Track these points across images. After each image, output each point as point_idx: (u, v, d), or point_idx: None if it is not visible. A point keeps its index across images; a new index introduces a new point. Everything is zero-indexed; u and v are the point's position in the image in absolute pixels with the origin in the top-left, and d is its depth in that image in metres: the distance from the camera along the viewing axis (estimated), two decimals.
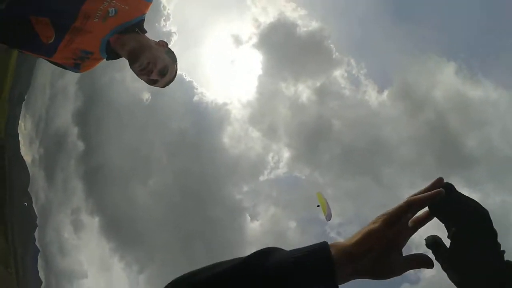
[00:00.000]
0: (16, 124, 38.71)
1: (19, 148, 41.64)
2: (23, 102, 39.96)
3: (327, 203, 16.03)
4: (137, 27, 1.73)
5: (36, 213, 45.16)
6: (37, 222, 45.10)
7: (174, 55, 1.87)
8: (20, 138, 42.31)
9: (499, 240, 0.76)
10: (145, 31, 1.77)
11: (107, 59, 1.81)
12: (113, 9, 1.61)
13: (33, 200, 44.61)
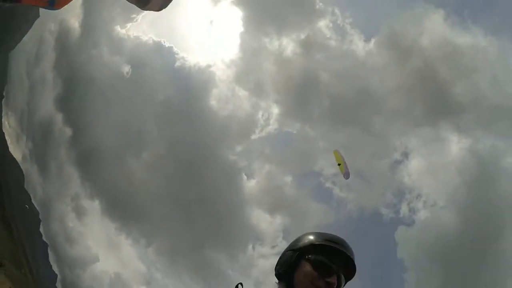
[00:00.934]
0: (0, 124, 37.50)
1: (7, 147, 40.71)
2: (3, 100, 38.42)
3: (344, 161, 15.76)
4: None
5: (37, 208, 45.30)
6: (40, 216, 45.35)
7: None
8: (6, 137, 41.32)
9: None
10: None
11: None
12: None
13: (32, 196, 44.56)
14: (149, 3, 1.55)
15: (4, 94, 39.37)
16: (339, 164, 16.00)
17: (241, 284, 1.38)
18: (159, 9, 1.65)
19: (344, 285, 1.38)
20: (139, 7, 1.59)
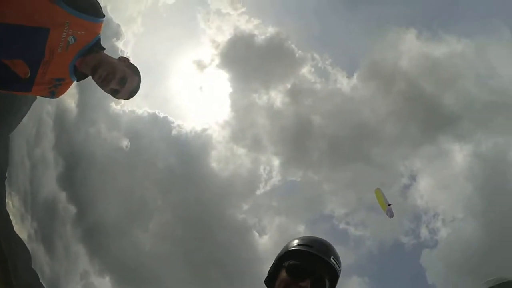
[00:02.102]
0: (3, 204, 37.68)
1: (12, 227, 40.44)
2: (5, 180, 39.09)
3: (386, 199, 15.55)
4: (96, 47, 1.95)
5: (46, 287, 43.54)
6: None
7: (136, 68, 2.07)
8: (11, 217, 41.26)
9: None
10: (103, 49, 1.98)
11: (77, 81, 2.03)
12: (71, 37, 1.82)
13: (39, 275, 43.11)
14: (118, 94, 1.98)
15: (6, 175, 40.05)
16: (389, 204, 15.78)
17: None
18: (127, 98, 2.08)
19: (331, 286, 1.38)
20: (113, 96, 2.01)
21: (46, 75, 1.88)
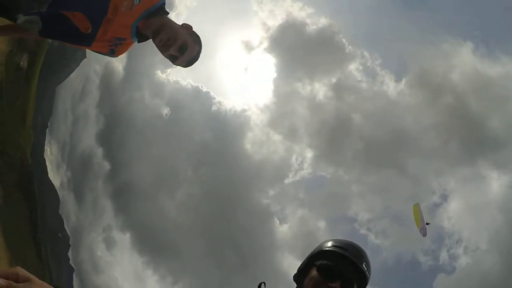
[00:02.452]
0: (42, 150, 40.50)
1: (47, 172, 43.43)
2: (47, 129, 41.83)
3: (422, 216, 15.39)
4: (160, 10, 1.92)
5: (69, 233, 46.72)
6: (70, 242, 46.60)
7: (198, 37, 2.03)
8: (47, 163, 44.27)
9: None
10: (167, 13, 1.96)
11: (138, 42, 2.01)
12: None
13: (65, 221, 46.29)
14: (177, 60, 1.97)
15: (48, 124, 42.86)
16: (427, 224, 15.58)
17: (264, 283, 1.44)
18: (185, 66, 2.08)
19: None
20: (171, 62, 2.00)
21: (108, 32, 1.88)
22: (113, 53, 2.02)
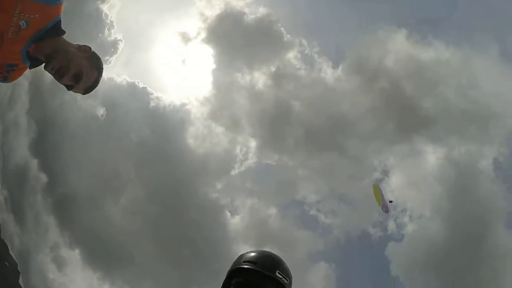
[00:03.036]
0: None
1: None
2: None
3: (382, 195, 15.96)
4: (54, 31, 1.73)
5: (15, 259, 42.30)
6: (18, 268, 42.30)
7: (98, 60, 1.87)
8: None
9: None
10: (63, 33, 1.77)
11: (30, 68, 1.85)
12: (23, 21, 1.62)
13: (9, 246, 41.72)
14: (73, 89, 1.81)
15: None
16: (390, 201, 16.44)
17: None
18: (83, 94, 1.89)
19: None
20: (67, 89, 1.82)
21: None
22: (5, 79, 1.88)
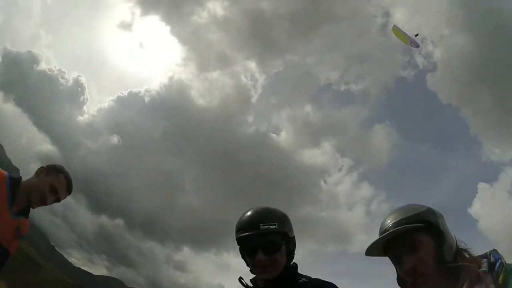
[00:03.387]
0: None
1: None
2: None
3: (404, 33, 15.28)
4: (13, 186, 2.06)
5: None
6: None
7: (54, 168, 2.15)
8: None
9: None
10: (20, 179, 2.10)
11: (25, 217, 2.15)
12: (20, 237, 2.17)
13: None
14: (60, 199, 2.20)
15: None
16: (416, 35, 15.65)
17: (241, 278, 1.52)
18: (69, 191, 2.22)
19: (290, 245, 1.51)
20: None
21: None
22: (22, 238, 2.18)
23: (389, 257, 1.34)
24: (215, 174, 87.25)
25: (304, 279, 1.48)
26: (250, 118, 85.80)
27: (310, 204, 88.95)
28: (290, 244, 1.49)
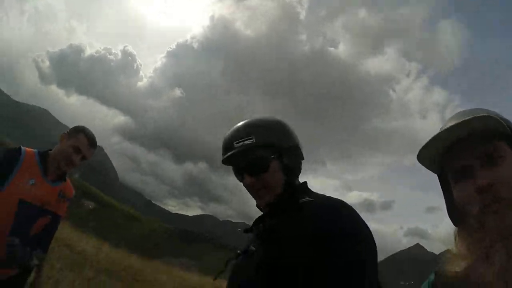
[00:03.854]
0: None
1: None
2: None
3: None
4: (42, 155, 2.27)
5: None
6: None
7: (74, 130, 2.30)
8: None
9: None
10: (48, 152, 2.29)
11: (62, 181, 2.35)
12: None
13: None
14: (85, 158, 2.34)
15: None
16: None
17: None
18: (93, 148, 2.37)
19: (284, 158, 1.22)
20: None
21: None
22: (64, 197, 2.37)
23: (445, 170, 0.91)
24: (281, 101, 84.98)
25: (307, 198, 1.16)
26: (303, 37, 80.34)
27: (381, 116, 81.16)
28: (283, 157, 1.20)
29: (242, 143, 1.18)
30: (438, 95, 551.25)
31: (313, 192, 1.22)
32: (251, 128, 1.20)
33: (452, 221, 0.93)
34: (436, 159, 0.92)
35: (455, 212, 0.91)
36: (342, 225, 1.02)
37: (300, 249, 1.01)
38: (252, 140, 1.18)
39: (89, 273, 7.03)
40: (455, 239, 0.90)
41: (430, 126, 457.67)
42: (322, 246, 0.99)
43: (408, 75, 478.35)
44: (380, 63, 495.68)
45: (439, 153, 0.90)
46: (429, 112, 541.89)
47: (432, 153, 0.90)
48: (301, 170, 1.27)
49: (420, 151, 0.90)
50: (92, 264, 8.52)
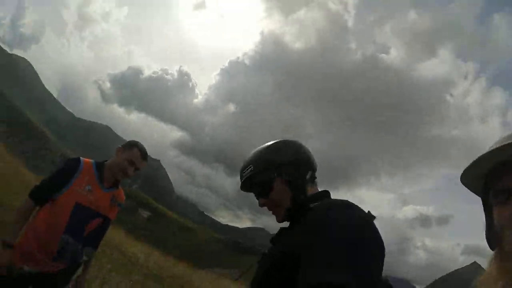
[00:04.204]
0: None
1: None
2: None
3: None
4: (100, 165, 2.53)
5: None
6: None
7: (128, 144, 2.53)
8: None
9: None
10: (104, 162, 2.54)
11: (116, 188, 2.59)
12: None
13: None
14: (140, 168, 2.57)
15: None
16: None
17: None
18: (144, 160, 2.59)
19: (282, 174, 1.32)
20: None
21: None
22: (118, 204, 2.64)
23: (489, 192, 0.86)
24: (333, 111, 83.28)
25: (316, 203, 1.25)
26: (353, 45, 78.12)
27: (438, 123, 74.95)
28: (282, 174, 1.31)
29: (245, 172, 1.35)
30: (498, 96, 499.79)
31: (329, 198, 1.29)
32: (251, 158, 1.36)
33: (488, 245, 0.90)
34: (481, 180, 0.88)
35: (493, 235, 0.87)
36: (333, 216, 1.08)
37: (293, 243, 1.12)
38: (251, 168, 1.34)
39: (136, 277, 7.20)
40: (490, 263, 0.87)
41: (490, 133, 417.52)
42: (313, 238, 1.05)
43: (465, 77, 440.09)
44: (434, 66, 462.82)
45: (484, 174, 0.86)
46: (489, 116, 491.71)
47: (476, 173, 0.87)
48: (315, 179, 1.34)
49: (465, 171, 0.88)
50: (141, 268, 8.76)
